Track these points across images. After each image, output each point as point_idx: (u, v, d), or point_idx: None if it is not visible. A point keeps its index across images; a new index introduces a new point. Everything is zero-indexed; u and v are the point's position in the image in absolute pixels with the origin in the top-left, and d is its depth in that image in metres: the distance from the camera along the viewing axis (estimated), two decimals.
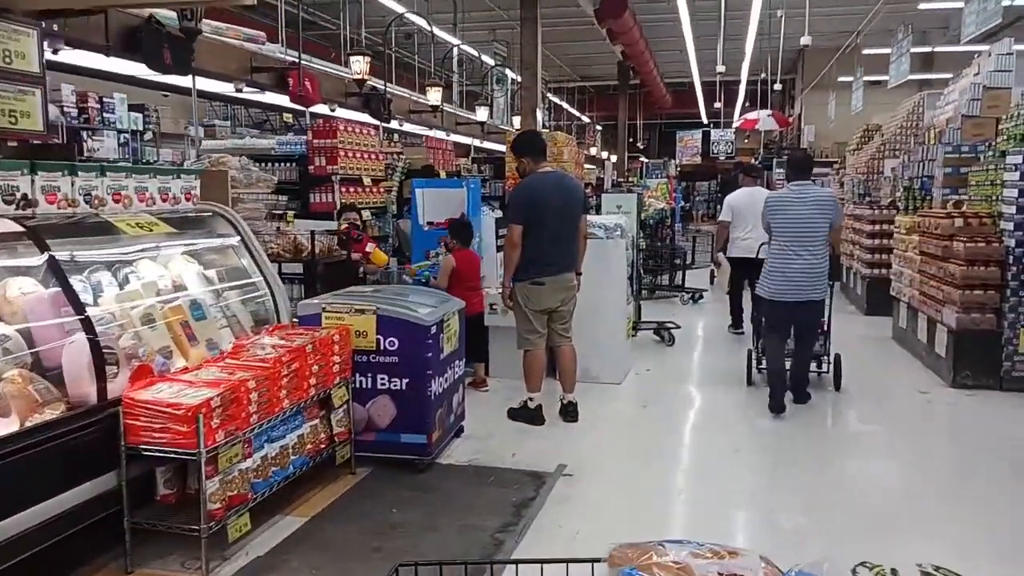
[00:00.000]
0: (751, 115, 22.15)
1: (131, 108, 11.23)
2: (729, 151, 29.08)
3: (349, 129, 6.98)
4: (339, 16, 12.93)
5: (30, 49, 3.78)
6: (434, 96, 10.00)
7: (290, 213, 6.97)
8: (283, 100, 8.55)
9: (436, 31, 11.78)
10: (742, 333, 8.13)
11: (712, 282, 11.00)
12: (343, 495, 3.97)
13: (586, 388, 5.75)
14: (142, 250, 3.87)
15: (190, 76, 7.14)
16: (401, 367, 4.21)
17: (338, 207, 6.40)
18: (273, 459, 3.55)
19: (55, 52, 5.42)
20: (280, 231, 4.84)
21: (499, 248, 6.89)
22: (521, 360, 5.32)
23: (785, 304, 5.49)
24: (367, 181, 7.17)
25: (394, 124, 11.35)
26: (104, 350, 3.15)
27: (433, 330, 4.27)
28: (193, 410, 2.99)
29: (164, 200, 4.01)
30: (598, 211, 8.26)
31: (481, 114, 12.45)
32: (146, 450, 3.06)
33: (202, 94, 8.05)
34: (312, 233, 4.70)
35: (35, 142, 3.89)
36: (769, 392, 5.55)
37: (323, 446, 3.96)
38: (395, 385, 4.22)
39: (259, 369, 3.45)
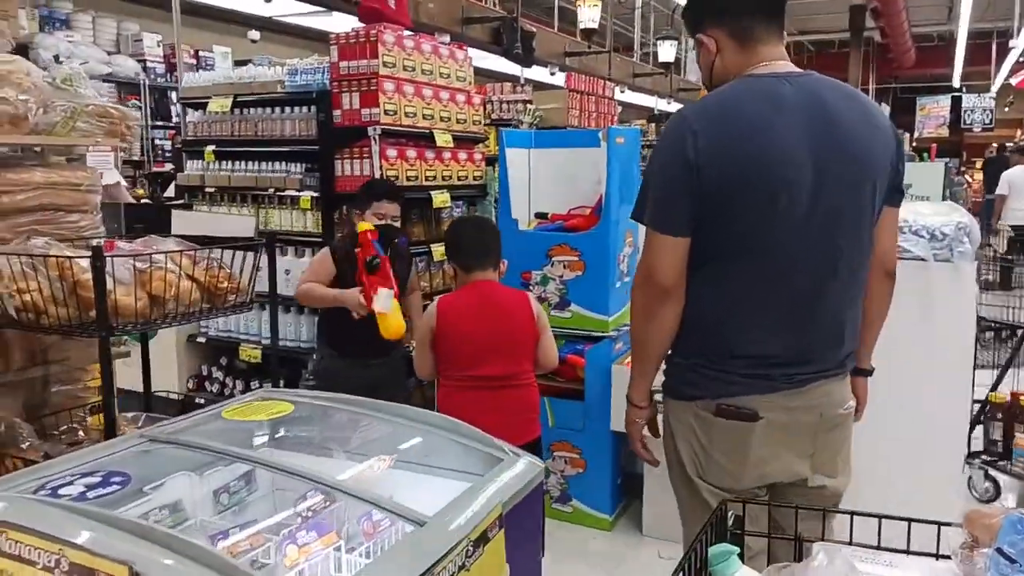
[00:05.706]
0: None
1: (237, 63, 9.10)
2: (987, 121, 23.26)
3: (405, 44, 3.88)
4: None
5: None
6: (589, 14, 6.44)
7: (305, 196, 4.04)
8: (349, 22, 5.68)
9: None
10: None
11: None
12: None
13: None
14: None
15: None
16: None
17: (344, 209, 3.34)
18: None
19: None
20: (39, 255, 1.75)
21: None
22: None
23: None
24: (444, 141, 4.05)
25: (541, 71, 8.18)
26: None
27: None
28: None
29: None
30: None
31: (665, 53, 8.51)
32: None
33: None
34: (91, 260, 1.54)
35: None
36: None
37: None
38: None
39: None
